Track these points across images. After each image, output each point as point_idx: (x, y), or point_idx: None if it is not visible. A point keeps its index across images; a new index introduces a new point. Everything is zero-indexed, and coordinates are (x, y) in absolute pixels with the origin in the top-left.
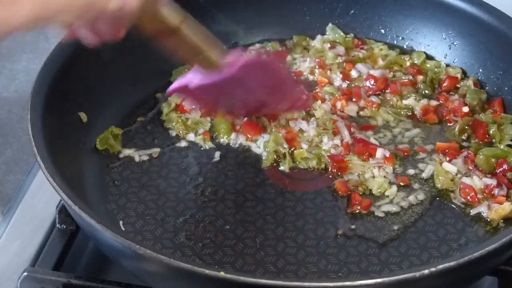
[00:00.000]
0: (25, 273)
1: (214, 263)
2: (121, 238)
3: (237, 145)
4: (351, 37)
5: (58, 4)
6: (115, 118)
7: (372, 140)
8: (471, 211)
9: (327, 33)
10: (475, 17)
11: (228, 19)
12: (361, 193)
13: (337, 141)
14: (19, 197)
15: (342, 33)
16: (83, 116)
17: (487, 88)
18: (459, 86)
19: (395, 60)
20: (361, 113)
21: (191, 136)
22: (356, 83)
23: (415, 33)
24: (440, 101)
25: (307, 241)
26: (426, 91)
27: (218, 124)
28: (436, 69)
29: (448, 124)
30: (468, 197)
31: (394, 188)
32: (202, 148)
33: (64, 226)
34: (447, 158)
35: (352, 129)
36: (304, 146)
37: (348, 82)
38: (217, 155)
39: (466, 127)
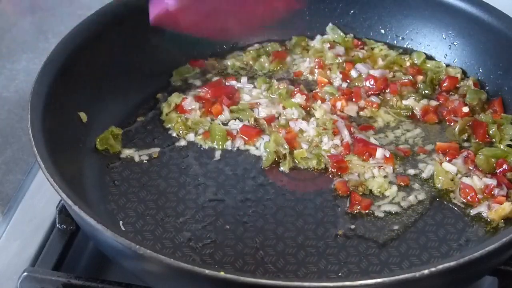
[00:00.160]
0: (25, 273)
1: (214, 263)
2: (121, 238)
3: (235, 149)
4: (351, 38)
5: None
6: (115, 118)
7: (372, 140)
8: (471, 211)
9: (327, 33)
10: (475, 17)
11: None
12: (361, 193)
13: (337, 141)
14: (19, 197)
15: (342, 34)
16: (83, 116)
17: (487, 88)
18: (459, 86)
19: (395, 60)
20: (361, 113)
21: (191, 136)
22: (356, 83)
23: (415, 33)
24: (440, 101)
25: (307, 241)
26: (426, 91)
27: (213, 131)
28: (436, 69)
29: (448, 124)
30: (468, 197)
31: (394, 188)
32: (202, 148)
33: (64, 226)
34: (447, 158)
35: (352, 129)
36: (304, 146)
37: (348, 82)
38: (217, 155)
39: (466, 127)
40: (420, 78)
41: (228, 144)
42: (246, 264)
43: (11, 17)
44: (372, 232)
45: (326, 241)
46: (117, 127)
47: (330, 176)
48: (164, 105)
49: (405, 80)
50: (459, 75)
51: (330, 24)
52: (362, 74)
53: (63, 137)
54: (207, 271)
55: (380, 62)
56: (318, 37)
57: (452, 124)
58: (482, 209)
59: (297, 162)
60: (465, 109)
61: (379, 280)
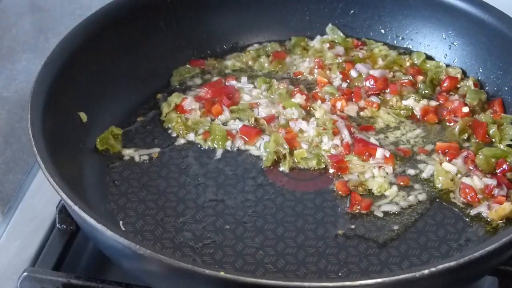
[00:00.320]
0: (25, 273)
1: (214, 263)
2: (121, 238)
3: (235, 149)
4: (350, 38)
5: None
6: (115, 118)
7: (372, 140)
8: (471, 211)
9: (327, 33)
10: (475, 17)
11: (228, 19)
12: (361, 193)
13: (337, 141)
14: (19, 197)
15: (341, 34)
16: (83, 116)
17: (487, 88)
18: (459, 86)
19: (395, 60)
20: (361, 113)
21: (191, 136)
22: (356, 83)
23: (415, 33)
24: (440, 101)
25: (307, 241)
26: (426, 91)
27: (213, 131)
28: (436, 69)
29: (448, 124)
30: (468, 197)
31: (394, 188)
32: (202, 148)
33: (64, 226)
34: (447, 158)
35: (352, 129)
36: (304, 146)
37: (348, 82)
38: (217, 155)
39: (466, 127)
40: (420, 78)
41: (228, 144)
42: (246, 264)
43: (11, 17)
44: (372, 232)
45: (326, 241)
46: (117, 127)
47: (330, 176)
48: (164, 105)
49: (405, 80)
50: (459, 75)
51: (330, 25)
52: (362, 74)
53: (63, 137)
54: (207, 271)
55: (380, 62)
56: (318, 37)
57: (452, 124)
58: (482, 209)
59: (297, 162)
60: (465, 109)
61: (379, 280)
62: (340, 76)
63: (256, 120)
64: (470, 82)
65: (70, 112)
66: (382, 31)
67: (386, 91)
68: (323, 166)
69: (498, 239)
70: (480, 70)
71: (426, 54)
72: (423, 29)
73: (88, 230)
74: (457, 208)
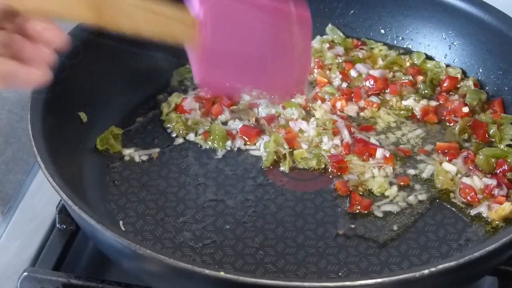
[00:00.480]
0: (25, 273)
1: (214, 263)
2: (121, 238)
3: (235, 149)
4: (350, 39)
5: None
6: (115, 118)
7: (372, 140)
8: (471, 211)
9: (327, 33)
10: (475, 17)
11: None
12: (361, 193)
13: (337, 141)
14: (19, 197)
15: (341, 34)
16: (83, 116)
17: (487, 88)
18: (459, 86)
19: (395, 60)
20: (361, 114)
21: (191, 136)
22: (356, 83)
23: (415, 33)
24: (440, 102)
25: (307, 241)
26: (426, 91)
27: (213, 131)
28: (436, 69)
29: (448, 124)
30: (468, 197)
31: (394, 188)
32: (202, 148)
33: (64, 226)
34: (447, 158)
35: (352, 129)
36: (304, 146)
37: (348, 82)
38: (217, 154)
39: (466, 127)
40: (420, 78)
41: (228, 144)
42: (246, 264)
43: None
44: (372, 232)
45: (326, 241)
46: (117, 127)
47: (330, 176)
48: (164, 105)
49: (405, 80)
50: (459, 75)
51: (330, 25)
52: (362, 74)
53: (63, 137)
54: (207, 271)
55: (380, 62)
56: (318, 37)
57: (452, 124)
58: (482, 209)
59: (297, 162)
60: (465, 109)
61: (379, 280)
62: (340, 76)
63: (257, 120)
64: (470, 82)
65: (70, 112)
66: (382, 31)
67: (386, 91)
68: (323, 166)
69: (498, 239)
70: (480, 70)
71: (426, 54)
72: (423, 29)
73: (88, 230)
74: (457, 208)
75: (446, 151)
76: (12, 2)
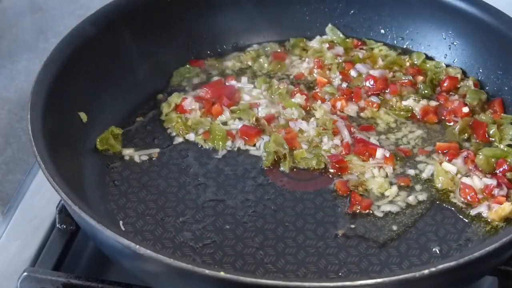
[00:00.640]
0: (25, 273)
1: (214, 263)
2: (121, 238)
3: (235, 149)
4: (350, 39)
5: None
6: (115, 118)
7: (372, 140)
8: (471, 211)
9: (327, 34)
10: (475, 17)
11: (228, 19)
12: (361, 193)
13: (337, 141)
14: (19, 197)
15: (341, 35)
16: (83, 116)
17: (487, 88)
18: (459, 86)
19: (395, 61)
20: (361, 114)
21: (191, 136)
22: (356, 83)
23: (415, 33)
24: (440, 102)
25: (307, 241)
26: (426, 92)
27: (213, 131)
28: (436, 69)
29: (448, 124)
30: (468, 197)
31: (394, 188)
32: (202, 148)
33: (64, 226)
34: (447, 158)
35: (352, 129)
36: (304, 146)
37: (348, 82)
38: (217, 154)
39: (466, 127)
40: (420, 78)
41: (228, 144)
42: (246, 264)
43: (11, 17)
44: (372, 232)
45: (326, 241)
46: (117, 127)
47: (330, 176)
48: (164, 105)
49: (405, 80)
50: (459, 75)
51: (330, 25)
52: (362, 74)
53: (63, 137)
54: (207, 271)
55: (380, 62)
56: (317, 37)
57: (452, 124)
58: (482, 209)
59: (297, 162)
60: (465, 109)
61: (379, 280)
62: (340, 76)
63: (257, 119)
64: (470, 82)
65: (70, 112)
66: (382, 31)
67: (386, 91)
68: (323, 166)
69: (498, 239)
70: (480, 70)
71: (426, 54)
72: (423, 29)
73: (88, 230)
74: (457, 208)
75: (446, 151)
76: None
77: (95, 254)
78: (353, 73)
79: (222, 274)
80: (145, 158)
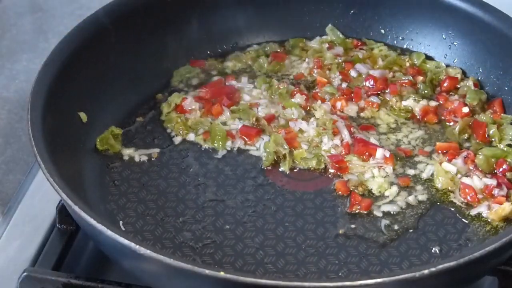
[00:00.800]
0: (25, 273)
1: (214, 263)
2: (121, 238)
3: (235, 150)
4: (350, 39)
5: None
6: (115, 118)
7: (372, 140)
8: (471, 211)
9: (327, 34)
10: (475, 17)
11: (228, 19)
12: (361, 193)
13: (337, 141)
14: (19, 197)
15: (341, 35)
16: (83, 116)
17: (487, 88)
18: (459, 86)
19: (395, 61)
20: (361, 114)
21: (191, 136)
22: (356, 83)
23: (415, 33)
24: (440, 102)
25: (307, 241)
26: (426, 92)
27: (213, 131)
28: (436, 69)
29: (448, 124)
30: (468, 197)
31: (394, 188)
32: (202, 148)
33: (64, 226)
34: (447, 158)
35: (352, 129)
36: (304, 146)
37: (348, 83)
38: (217, 154)
39: (466, 127)
40: (420, 78)
41: (228, 144)
42: (246, 264)
43: (11, 17)
44: (372, 232)
45: (326, 241)
46: (117, 127)
47: (330, 176)
48: (164, 105)
49: (405, 81)
50: (459, 75)
51: (330, 25)
52: (362, 74)
53: (63, 137)
54: (207, 271)
55: (380, 62)
56: (317, 38)
57: (452, 124)
58: (482, 209)
59: (297, 162)
60: (465, 110)
61: (379, 280)
62: (340, 76)
63: (257, 119)
64: (470, 82)
65: (70, 112)
66: (382, 31)
67: (386, 91)
68: (323, 166)
69: (498, 239)
70: (480, 70)
71: (426, 54)
72: (423, 29)
73: (88, 230)
74: (457, 208)
75: (446, 151)
76: None
77: (95, 254)
78: (353, 73)
79: (222, 274)
80: (145, 158)
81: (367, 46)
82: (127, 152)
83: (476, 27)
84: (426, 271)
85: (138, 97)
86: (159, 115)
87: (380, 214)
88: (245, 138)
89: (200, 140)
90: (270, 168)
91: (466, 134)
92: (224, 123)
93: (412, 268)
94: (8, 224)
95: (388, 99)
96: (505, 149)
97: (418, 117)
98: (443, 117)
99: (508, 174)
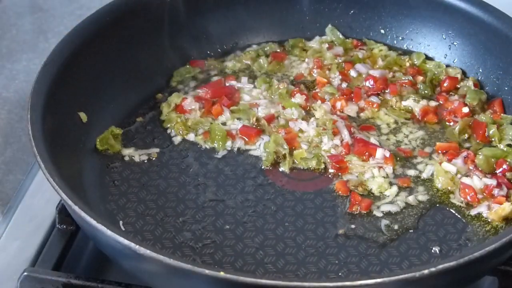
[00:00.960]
0: (25, 273)
1: (214, 263)
2: (121, 238)
3: (235, 150)
4: (350, 39)
5: None
6: (115, 118)
7: (372, 140)
8: (471, 211)
9: (326, 34)
10: (475, 17)
11: (228, 19)
12: (361, 193)
13: (337, 141)
14: (19, 197)
15: (341, 36)
16: (83, 116)
17: (487, 88)
18: (459, 86)
19: (395, 61)
20: (361, 114)
21: (191, 136)
22: (356, 83)
23: (415, 33)
24: (440, 102)
25: (307, 241)
26: (426, 92)
27: (213, 131)
28: (436, 70)
29: (448, 124)
30: (468, 197)
31: (394, 188)
32: (202, 148)
33: (64, 226)
34: (447, 158)
35: (352, 129)
36: (304, 146)
37: (348, 82)
38: (217, 154)
39: (466, 128)
40: (420, 78)
41: (228, 144)
42: (246, 264)
43: (11, 17)
44: (372, 232)
45: (326, 241)
46: (117, 127)
47: (330, 176)
48: (164, 105)
49: (405, 81)
50: (459, 76)
51: (330, 26)
52: (362, 74)
53: (63, 137)
54: (207, 271)
55: (380, 62)
56: (317, 37)
57: (452, 124)
58: (482, 209)
59: (297, 162)
60: (465, 110)
61: (379, 280)
62: (340, 76)
63: (257, 120)
64: (470, 82)
65: (70, 112)
66: (382, 31)
67: (386, 91)
68: (323, 166)
69: (498, 239)
70: (480, 70)
71: (426, 54)
72: (423, 29)
73: (88, 230)
74: (457, 208)
75: (446, 151)
76: None
77: (95, 254)
78: (353, 73)
79: (222, 274)
80: (145, 158)
81: (367, 46)
82: (127, 152)
83: (476, 27)
84: (426, 271)
85: (138, 97)
86: (159, 115)
87: (380, 214)
88: (245, 138)
89: (200, 140)
90: (270, 168)
91: (466, 134)
92: (224, 123)
93: (412, 268)
94: (8, 224)
95: (388, 99)
96: (505, 149)
97: (418, 117)
98: (443, 117)
99: (508, 174)
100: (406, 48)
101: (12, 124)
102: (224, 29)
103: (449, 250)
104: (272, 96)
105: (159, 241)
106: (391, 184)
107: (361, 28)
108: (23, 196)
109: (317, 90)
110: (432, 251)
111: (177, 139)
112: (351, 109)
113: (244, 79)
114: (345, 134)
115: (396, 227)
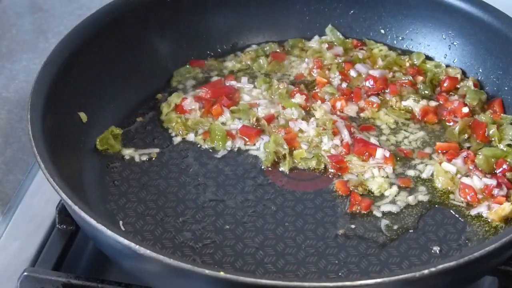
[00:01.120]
0: (25, 273)
1: (214, 263)
2: (121, 238)
3: (235, 150)
4: (349, 40)
5: None
6: (115, 118)
7: (372, 140)
8: (471, 211)
9: (326, 34)
10: (475, 17)
11: (228, 19)
12: (361, 193)
13: (337, 141)
14: (19, 197)
15: (340, 36)
16: (83, 116)
17: (487, 88)
18: (459, 86)
19: (395, 61)
20: (361, 115)
21: (191, 136)
22: (356, 83)
23: (415, 33)
24: (440, 102)
25: (307, 241)
26: (426, 92)
27: (213, 131)
28: (436, 70)
29: (448, 124)
30: (468, 197)
31: (394, 188)
32: (202, 148)
33: (64, 226)
34: (447, 158)
35: (352, 129)
36: (304, 146)
37: (348, 82)
38: (217, 154)
39: (466, 128)
40: (420, 78)
41: (228, 144)
42: (246, 264)
43: (11, 17)
44: (372, 232)
45: (326, 241)
46: (117, 127)
47: (330, 176)
48: (164, 105)
49: (405, 81)
50: (459, 76)
51: (330, 26)
52: (361, 74)
53: (63, 137)
54: (207, 271)
55: (380, 62)
56: (316, 37)
57: (452, 124)
58: (482, 209)
59: (296, 162)
60: (465, 110)
61: (379, 280)
62: (340, 76)
63: (257, 120)
64: (470, 82)
65: (70, 112)
66: (382, 31)
67: (386, 91)
68: (323, 166)
69: (498, 239)
70: (480, 70)
71: (426, 54)
72: (423, 29)
73: (88, 230)
74: (457, 208)
75: (446, 151)
76: None
77: (95, 254)
78: (353, 73)
79: (222, 274)
80: (145, 158)
81: (367, 46)
82: (127, 152)
83: (476, 27)
84: (426, 271)
85: (138, 97)
86: (159, 115)
87: (380, 214)
88: (245, 138)
89: (200, 140)
90: (270, 168)
91: (466, 134)
92: (224, 123)
93: (412, 268)
94: (8, 224)
95: (388, 99)
96: (505, 149)
97: (418, 117)
98: (443, 117)
99: (508, 174)
100: (406, 48)
101: (12, 124)
102: (224, 29)
103: (449, 250)
104: (272, 96)
105: (159, 241)
106: (391, 184)
107: (361, 28)
108: (23, 196)
109: (317, 90)
110: (432, 251)
111: (177, 139)
112: (351, 109)
113: (244, 79)
114: (345, 134)
115: (396, 227)
